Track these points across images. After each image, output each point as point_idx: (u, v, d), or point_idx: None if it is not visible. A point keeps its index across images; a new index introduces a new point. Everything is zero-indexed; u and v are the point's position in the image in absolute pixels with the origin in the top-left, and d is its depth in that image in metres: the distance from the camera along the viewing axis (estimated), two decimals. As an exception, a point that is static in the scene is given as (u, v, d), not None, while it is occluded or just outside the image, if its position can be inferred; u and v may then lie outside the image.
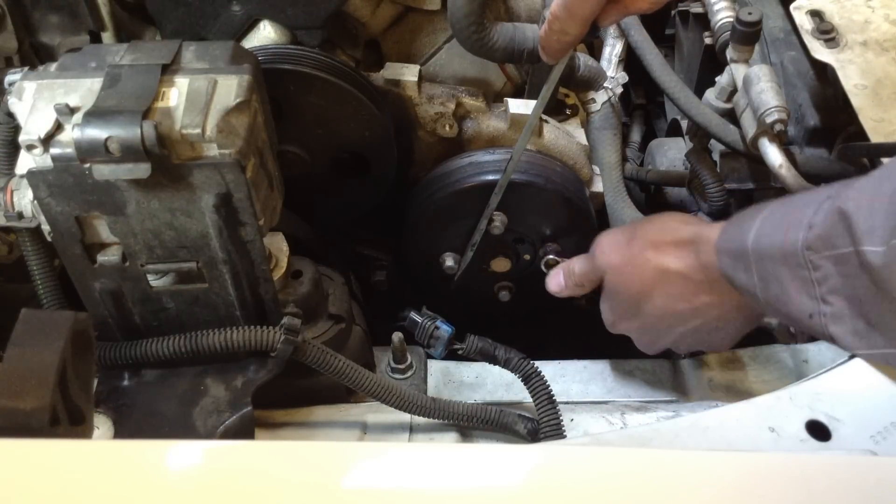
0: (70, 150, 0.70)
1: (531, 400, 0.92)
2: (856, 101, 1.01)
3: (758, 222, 0.73)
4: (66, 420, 0.59)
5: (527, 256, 1.15)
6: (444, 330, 0.96)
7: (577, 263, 0.97)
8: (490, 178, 1.06)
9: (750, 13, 1.07)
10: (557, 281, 0.99)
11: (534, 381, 0.92)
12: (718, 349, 0.98)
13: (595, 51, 1.42)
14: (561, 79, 1.18)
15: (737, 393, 1.03)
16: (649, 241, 0.86)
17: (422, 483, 0.53)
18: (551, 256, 1.11)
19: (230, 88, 0.74)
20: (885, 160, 0.99)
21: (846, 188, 0.65)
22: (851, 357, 0.76)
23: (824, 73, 1.12)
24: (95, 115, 0.70)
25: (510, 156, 1.03)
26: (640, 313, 0.89)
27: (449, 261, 1.14)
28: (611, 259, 0.90)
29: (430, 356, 1.05)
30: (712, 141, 1.18)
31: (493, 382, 1.06)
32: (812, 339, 1.08)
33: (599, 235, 0.94)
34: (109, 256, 0.80)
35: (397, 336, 1.01)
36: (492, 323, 1.11)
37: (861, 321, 0.64)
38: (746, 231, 0.73)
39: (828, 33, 1.09)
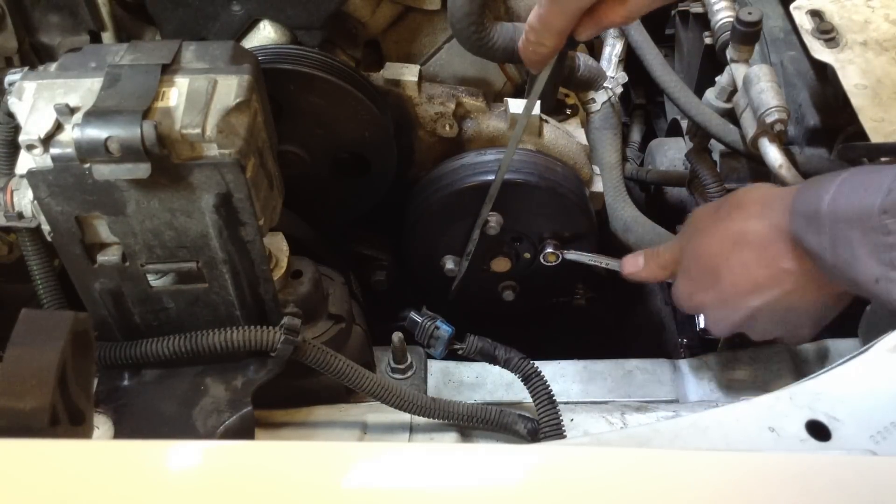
0: (70, 150, 0.70)
1: (531, 400, 0.92)
2: (856, 101, 1.01)
3: (836, 185, 0.72)
4: (66, 420, 0.59)
5: (527, 255, 1.15)
6: (444, 330, 0.96)
7: (664, 246, 0.96)
8: (490, 177, 1.06)
9: (750, 13, 1.07)
10: (635, 262, 0.98)
11: (534, 381, 0.92)
12: (797, 337, 0.90)
13: (595, 51, 1.42)
14: (561, 79, 1.18)
15: (737, 393, 1.03)
16: (735, 202, 0.86)
17: (422, 483, 0.53)
18: (550, 250, 1.11)
19: (230, 88, 0.74)
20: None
21: None
22: (851, 357, 0.76)
23: (824, 73, 1.12)
24: (95, 115, 0.70)
25: (502, 157, 1.03)
26: (718, 281, 0.86)
27: (449, 264, 1.14)
28: (697, 225, 0.90)
29: (430, 356, 1.05)
30: (712, 141, 1.18)
31: (493, 382, 1.06)
32: (813, 338, 1.08)
33: (696, 209, 0.96)
34: (109, 256, 0.80)
35: (397, 336, 1.01)
36: (497, 322, 1.11)
37: None
38: (823, 192, 0.73)
39: (828, 33, 1.09)
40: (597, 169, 1.19)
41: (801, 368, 1.03)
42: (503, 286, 1.20)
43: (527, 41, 0.80)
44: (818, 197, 0.73)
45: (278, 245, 0.92)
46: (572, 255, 1.11)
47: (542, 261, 1.12)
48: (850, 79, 1.03)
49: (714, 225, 0.87)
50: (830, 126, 1.16)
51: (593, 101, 1.25)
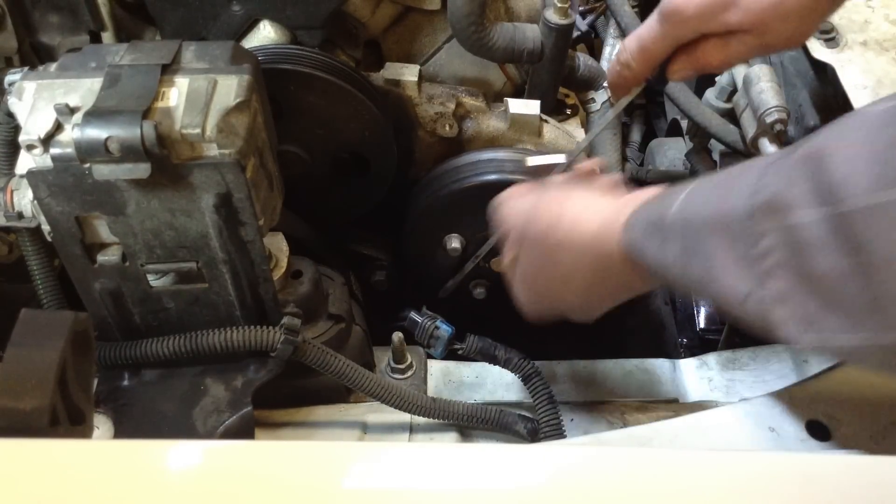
0: (70, 150, 0.70)
1: (531, 400, 0.92)
2: (856, 101, 1.01)
3: (685, 193, 0.62)
4: (66, 420, 0.59)
5: None
6: (444, 330, 0.96)
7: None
8: (490, 177, 1.06)
9: (750, 13, 1.07)
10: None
11: (534, 381, 0.92)
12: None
13: (595, 51, 1.42)
14: (561, 78, 1.18)
15: (737, 393, 1.03)
16: (544, 241, 0.75)
17: (422, 483, 0.53)
18: None
19: (230, 88, 0.74)
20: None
21: (807, 140, 0.53)
22: (851, 357, 0.76)
23: (824, 73, 1.12)
24: (95, 115, 0.70)
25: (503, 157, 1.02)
26: (548, 297, 0.79)
27: (454, 243, 1.12)
28: (511, 242, 0.81)
29: (430, 356, 1.05)
30: (712, 141, 1.18)
31: (493, 382, 1.06)
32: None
33: (504, 195, 0.85)
34: (109, 256, 0.80)
35: (397, 336, 1.01)
36: (470, 319, 1.10)
37: (815, 303, 0.51)
38: (670, 200, 0.62)
39: (828, 33, 1.09)
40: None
41: (801, 368, 1.03)
42: (476, 283, 1.19)
43: (617, 60, 0.77)
44: (663, 205, 0.63)
45: (278, 245, 0.92)
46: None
47: None
48: (850, 79, 1.03)
49: (528, 254, 0.78)
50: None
51: (593, 101, 1.25)
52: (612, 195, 0.75)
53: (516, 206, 0.82)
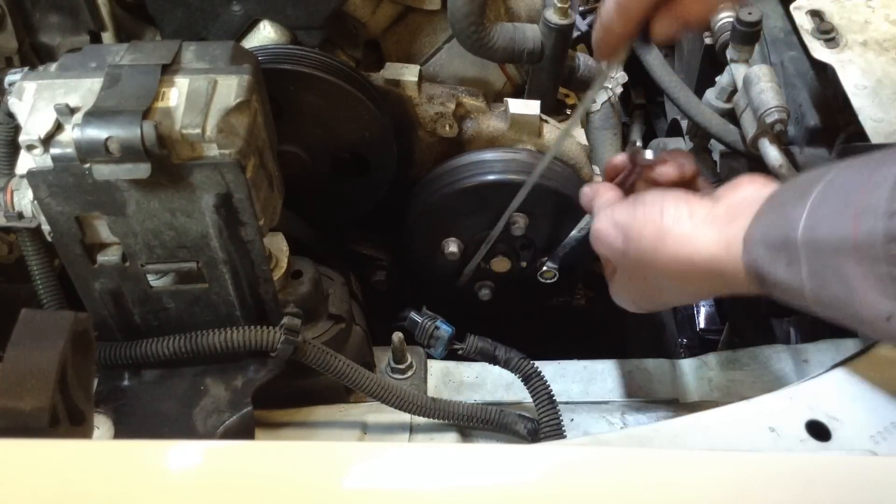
0: (70, 150, 0.70)
1: (531, 400, 0.92)
2: (856, 101, 1.01)
3: (808, 208, 0.61)
4: (66, 420, 0.59)
5: (523, 263, 1.15)
6: (444, 330, 0.96)
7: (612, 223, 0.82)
8: (490, 178, 1.06)
9: (750, 13, 1.07)
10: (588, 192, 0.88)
11: (534, 381, 0.92)
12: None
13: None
14: (561, 78, 1.18)
15: (737, 393, 1.03)
16: (649, 266, 0.75)
17: (422, 483, 0.53)
18: (546, 268, 1.11)
19: (230, 88, 0.74)
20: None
21: None
22: (851, 357, 0.76)
23: (824, 73, 1.12)
24: (95, 115, 0.70)
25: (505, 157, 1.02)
26: (660, 298, 0.82)
27: (452, 247, 1.13)
28: (609, 262, 0.83)
29: (430, 356, 1.05)
30: (712, 141, 1.18)
31: (493, 382, 1.06)
32: (813, 338, 1.08)
33: (596, 226, 0.83)
34: (109, 256, 0.80)
35: (397, 336, 1.01)
36: (468, 318, 1.11)
37: None
38: (792, 219, 0.62)
39: (828, 33, 1.09)
40: (597, 169, 1.19)
41: (801, 368, 1.03)
42: (481, 284, 1.20)
43: (598, 23, 0.75)
44: (786, 223, 0.63)
45: (278, 245, 0.92)
46: (559, 253, 1.10)
47: (538, 277, 1.12)
48: (850, 79, 1.03)
49: (630, 275, 0.79)
50: (830, 126, 1.16)
51: (593, 101, 1.25)
52: (709, 204, 0.73)
53: (610, 230, 0.80)
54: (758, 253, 0.65)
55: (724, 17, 1.18)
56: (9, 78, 0.77)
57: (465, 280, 1.17)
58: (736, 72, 1.11)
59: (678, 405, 1.03)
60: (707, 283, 0.73)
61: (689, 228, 0.72)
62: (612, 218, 0.80)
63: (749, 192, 0.70)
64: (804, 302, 0.63)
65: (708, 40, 1.26)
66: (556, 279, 1.12)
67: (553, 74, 1.11)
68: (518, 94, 1.17)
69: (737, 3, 0.75)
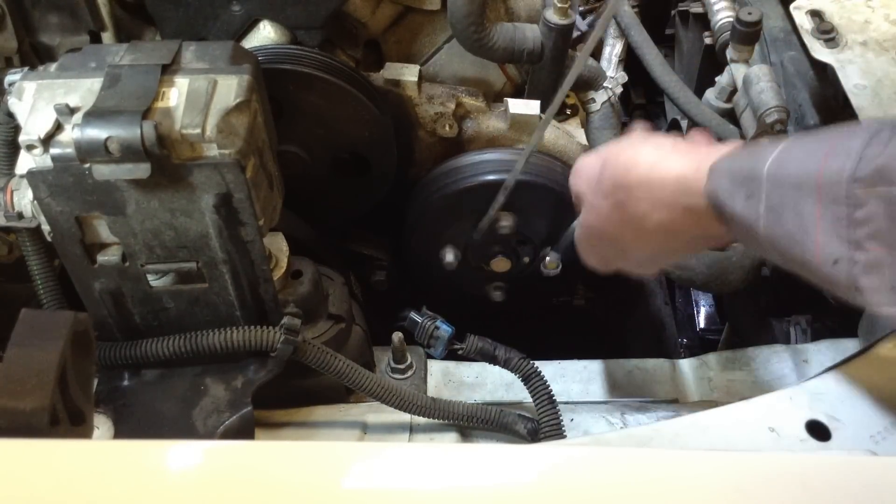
0: (70, 150, 0.70)
1: (531, 400, 0.92)
2: (856, 101, 1.01)
3: (778, 150, 0.62)
4: (66, 420, 0.59)
5: (526, 259, 1.15)
6: (444, 330, 0.96)
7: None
8: (490, 177, 1.06)
9: (750, 13, 1.07)
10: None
11: (534, 381, 0.92)
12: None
13: (595, 51, 1.42)
14: (561, 79, 1.18)
15: (737, 393, 1.03)
16: (615, 181, 0.75)
17: (422, 483, 0.53)
18: (549, 259, 1.11)
19: (230, 88, 0.74)
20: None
21: None
22: (851, 357, 0.76)
23: (824, 73, 1.12)
24: (95, 115, 0.70)
25: (516, 155, 1.02)
26: (626, 255, 0.81)
27: (449, 255, 1.13)
28: (583, 193, 0.82)
29: (430, 356, 1.05)
30: (712, 141, 1.18)
31: (493, 382, 1.06)
32: (813, 338, 1.08)
33: (579, 159, 0.84)
34: (109, 256, 0.80)
35: (397, 336, 1.01)
36: (483, 320, 1.11)
37: None
38: (763, 154, 0.62)
39: (828, 33, 1.09)
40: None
41: (801, 368, 1.03)
42: (494, 286, 1.20)
43: None
44: (755, 157, 0.63)
45: (278, 245, 0.92)
46: (563, 244, 1.10)
47: (542, 268, 1.12)
48: (850, 79, 1.03)
49: (602, 203, 0.78)
50: (830, 126, 1.16)
51: (593, 101, 1.25)
52: (687, 144, 0.74)
53: (589, 159, 0.81)
54: (720, 183, 0.65)
55: (725, 17, 1.19)
56: (9, 78, 0.77)
57: (487, 222, 1.14)
58: (736, 72, 1.11)
59: (678, 405, 1.03)
60: (668, 212, 0.72)
61: (666, 152, 0.72)
62: (593, 152, 0.81)
63: (736, 143, 0.70)
64: (756, 239, 0.63)
65: (708, 40, 1.27)
66: (559, 269, 1.11)
67: (553, 74, 1.11)
68: (518, 94, 1.17)
69: None
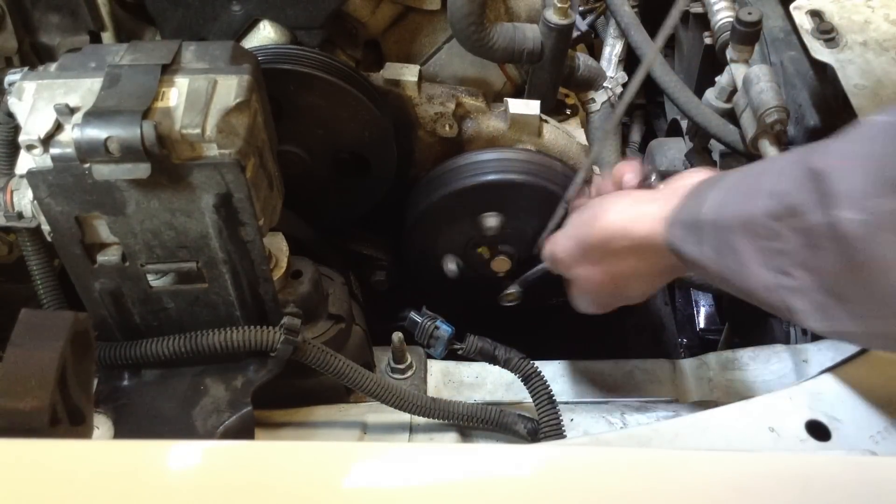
0: (70, 150, 0.70)
1: (531, 400, 0.92)
2: (856, 101, 1.01)
3: (714, 191, 0.70)
4: (66, 420, 0.59)
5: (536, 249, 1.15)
6: (444, 330, 0.96)
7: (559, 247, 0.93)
8: (490, 178, 1.06)
9: (750, 13, 1.07)
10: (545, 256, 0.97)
11: (534, 381, 0.92)
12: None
13: (595, 51, 1.42)
14: (561, 79, 1.18)
15: (737, 393, 1.03)
16: (600, 250, 0.83)
17: (422, 483, 0.53)
18: (509, 291, 1.11)
19: (230, 88, 0.74)
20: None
21: (815, 150, 0.61)
22: (851, 357, 0.76)
23: (824, 73, 1.12)
24: (95, 115, 0.70)
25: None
26: (624, 300, 0.91)
27: (450, 264, 1.14)
28: (572, 271, 0.90)
29: (430, 356, 1.05)
30: (712, 141, 1.18)
31: (493, 382, 1.06)
32: (813, 338, 1.08)
33: (549, 245, 0.93)
34: (109, 256, 0.80)
35: (397, 336, 1.01)
36: (495, 322, 1.11)
37: (825, 296, 0.60)
38: (702, 200, 0.70)
39: (828, 33, 1.09)
40: (597, 169, 1.19)
41: (801, 368, 1.03)
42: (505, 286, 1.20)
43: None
44: (697, 204, 0.71)
45: (278, 245, 0.92)
46: (527, 279, 1.10)
47: (501, 302, 1.12)
48: (850, 79, 1.03)
49: (594, 271, 0.86)
50: (830, 126, 1.16)
51: (593, 101, 1.25)
52: (654, 191, 0.84)
53: (560, 238, 0.91)
54: (674, 232, 0.74)
55: (724, 17, 1.19)
56: (9, 78, 0.77)
57: (458, 283, 1.17)
58: (736, 72, 1.11)
59: (678, 405, 1.03)
60: (647, 265, 0.81)
61: (628, 205, 0.82)
62: (560, 232, 0.91)
63: (691, 179, 0.78)
64: (712, 278, 0.71)
65: (708, 40, 1.27)
66: (518, 303, 1.11)
67: (553, 74, 1.11)
68: (518, 94, 1.17)
69: None
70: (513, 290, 1.10)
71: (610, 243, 0.81)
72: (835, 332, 0.63)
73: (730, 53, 1.12)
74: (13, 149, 0.77)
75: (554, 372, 1.07)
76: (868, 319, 0.59)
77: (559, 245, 0.90)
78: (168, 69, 0.75)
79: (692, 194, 0.74)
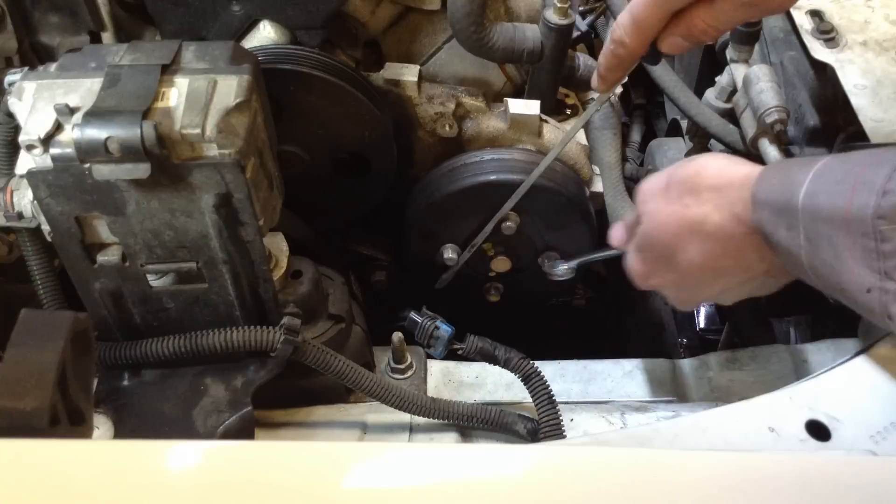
0: (70, 150, 0.70)
1: (531, 400, 0.92)
2: (856, 101, 1.01)
3: (810, 176, 0.65)
4: (66, 420, 0.59)
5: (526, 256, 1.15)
6: (444, 330, 0.96)
7: (630, 214, 0.88)
8: (490, 177, 1.06)
9: (750, 13, 1.07)
10: (618, 235, 0.90)
11: (534, 381, 0.92)
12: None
13: (595, 51, 1.42)
14: (561, 78, 1.18)
15: (737, 393, 1.03)
16: (685, 185, 0.77)
17: (422, 483, 0.53)
18: (564, 266, 1.11)
19: (230, 88, 0.74)
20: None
21: None
22: (851, 357, 0.76)
23: (824, 73, 1.12)
24: (95, 115, 0.70)
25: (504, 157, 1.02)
26: (676, 267, 0.80)
27: (449, 252, 1.14)
28: (647, 205, 0.82)
29: (430, 356, 1.05)
30: (712, 141, 1.18)
31: (493, 382, 1.06)
32: (813, 338, 1.08)
33: (642, 181, 0.86)
34: (109, 256, 0.80)
35: (397, 336, 1.01)
36: (480, 321, 1.11)
37: None
38: (795, 184, 0.65)
39: (828, 33, 1.09)
40: (597, 169, 1.19)
41: (801, 368, 1.03)
42: (490, 286, 1.20)
43: (610, 39, 0.76)
44: (789, 188, 0.66)
45: (278, 245, 0.92)
46: (576, 263, 1.10)
47: (544, 268, 1.12)
48: (850, 79, 1.03)
49: (665, 208, 0.79)
50: (830, 126, 1.15)
51: (593, 100, 1.25)
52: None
53: (654, 176, 0.83)
54: (763, 214, 0.69)
55: (724, 17, 1.18)
56: (9, 78, 0.77)
57: (453, 272, 1.16)
58: (736, 72, 1.11)
59: (678, 405, 1.03)
60: (731, 221, 0.73)
61: (734, 161, 0.76)
62: (658, 172, 0.83)
63: (716, 162, 0.75)
64: (801, 267, 0.66)
65: (708, 40, 1.26)
66: (570, 278, 1.12)
67: (553, 74, 1.11)
68: (518, 94, 1.17)
69: (740, 21, 0.76)
70: (564, 266, 1.10)
71: (698, 176, 0.76)
72: None
73: (730, 53, 1.12)
74: (13, 149, 0.77)
75: (554, 372, 1.07)
76: None
77: (650, 179, 0.83)
78: (168, 69, 0.75)
79: (773, 172, 0.70)
